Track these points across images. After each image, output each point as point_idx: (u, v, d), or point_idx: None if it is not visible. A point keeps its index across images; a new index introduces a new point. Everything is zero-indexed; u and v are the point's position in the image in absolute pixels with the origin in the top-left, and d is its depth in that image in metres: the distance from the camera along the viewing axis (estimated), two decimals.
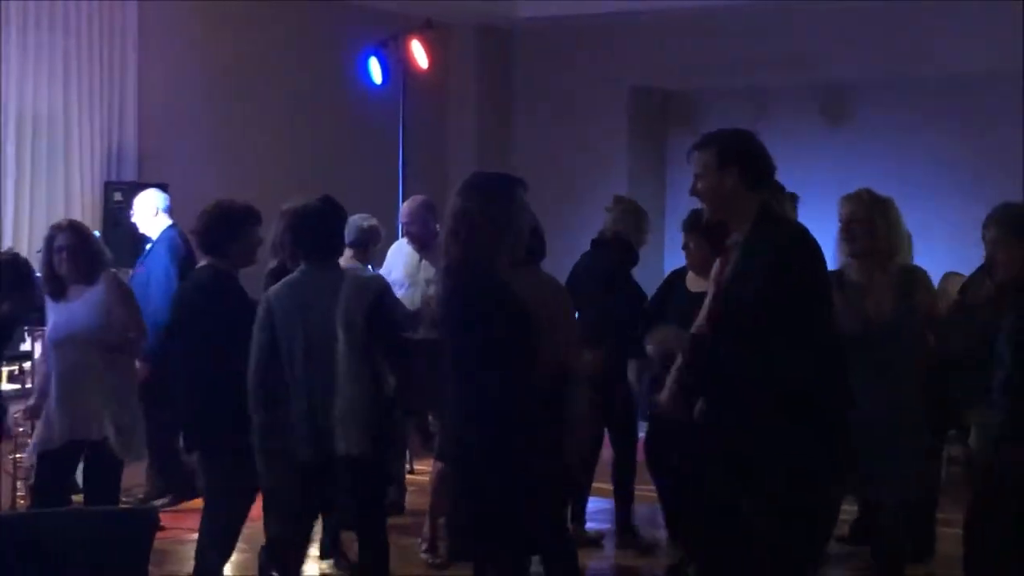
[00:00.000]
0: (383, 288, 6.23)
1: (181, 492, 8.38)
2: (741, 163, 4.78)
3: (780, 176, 5.14)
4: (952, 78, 11.99)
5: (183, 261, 8.34)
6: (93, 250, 6.73)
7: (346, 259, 7.03)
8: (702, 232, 6.71)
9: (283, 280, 5.99)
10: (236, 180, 9.78)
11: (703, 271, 6.69)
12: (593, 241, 7.97)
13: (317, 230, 5.97)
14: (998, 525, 5.93)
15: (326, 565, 7.34)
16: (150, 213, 8.69)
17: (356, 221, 7.77)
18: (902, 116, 12.42)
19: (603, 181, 12.61)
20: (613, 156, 13.19)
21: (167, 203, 8.72)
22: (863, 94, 12.66)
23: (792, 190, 7.42)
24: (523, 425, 4.75)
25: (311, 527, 6.47)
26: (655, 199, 12.53)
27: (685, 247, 6.96)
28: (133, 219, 8.82)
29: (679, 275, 7.10)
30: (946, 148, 12.17)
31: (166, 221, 8.67)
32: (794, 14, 11.89)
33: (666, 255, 11.67)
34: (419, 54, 11.30)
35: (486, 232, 4.84)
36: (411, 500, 8.63)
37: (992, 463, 5.82)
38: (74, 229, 6.73)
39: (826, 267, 4.86)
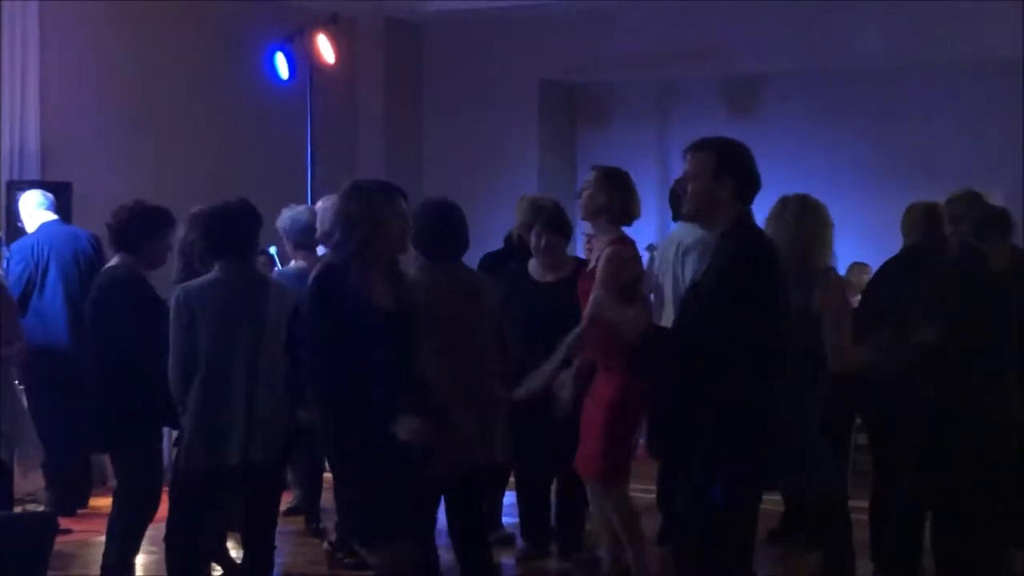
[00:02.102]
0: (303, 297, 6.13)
1: (70, 504, 8.09)
2: (737, 175, 4.82)
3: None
4: (857, 71, 12.14)
5: (82, 256, 8.33)
6: None
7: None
8: (560, 230, 7.12)
9: (200, 280, 5.89)
10: (141, 178, 9.67)
11: (548, 265, 7.13)
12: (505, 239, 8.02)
13: (232, 231, 5.91)
14: (899, 503, 6.05)
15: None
16: (27, 212, 8.63)
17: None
18: (809, 109, 12.55)
19: (514, 174, 12.63)
20: (523, 149, 13.20)
21: (47, 200, 8.63)
22: (769, 87, 12.78)
23: None
24: (384, 422, 4.96)
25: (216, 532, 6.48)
26: (566, 190, 12.54)
27: (538, 241, 7.13)
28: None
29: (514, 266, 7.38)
30: (851, 140, 12.32)
31: (45, 217, 8.58)
32: (702, 7, 11.95)
33: (578, 249, 11.71)
34: (326, 49, 11.23)
35: (353, 236, 5.11)
36: (326, 498, 8.56)
37: (894, 446, 5.94)
38: None
39: (776, 277, 4.87)
